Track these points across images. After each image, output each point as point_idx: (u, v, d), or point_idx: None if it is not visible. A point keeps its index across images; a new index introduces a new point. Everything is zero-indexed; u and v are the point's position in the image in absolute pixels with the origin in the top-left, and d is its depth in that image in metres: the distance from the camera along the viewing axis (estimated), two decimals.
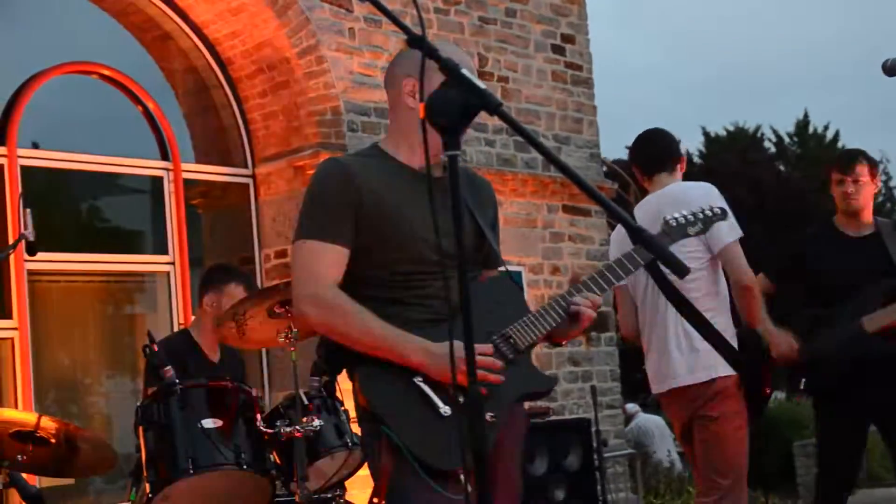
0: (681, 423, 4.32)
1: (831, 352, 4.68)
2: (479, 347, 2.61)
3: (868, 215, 4.88)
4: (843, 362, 4.66)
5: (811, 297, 4.87)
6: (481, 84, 1.94)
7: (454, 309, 2.61)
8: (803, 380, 4.64)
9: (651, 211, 4.25)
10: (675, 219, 3.35)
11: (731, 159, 25.44)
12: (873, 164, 4.92)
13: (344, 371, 2.91)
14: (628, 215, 1.96)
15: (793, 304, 4.26)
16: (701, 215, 3.44)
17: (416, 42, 1.98)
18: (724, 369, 4.13)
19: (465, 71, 1.93)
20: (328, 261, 2.79)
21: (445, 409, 2.69)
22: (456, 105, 1.93)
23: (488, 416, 2.70)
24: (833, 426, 4.83)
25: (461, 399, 2.58)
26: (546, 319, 2.86)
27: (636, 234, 1.90)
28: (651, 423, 12.50)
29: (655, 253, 1.91)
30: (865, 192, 4.84)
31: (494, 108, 1.93)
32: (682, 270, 1.88)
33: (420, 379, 2.71)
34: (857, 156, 4.95)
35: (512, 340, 2.83)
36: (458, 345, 2.51)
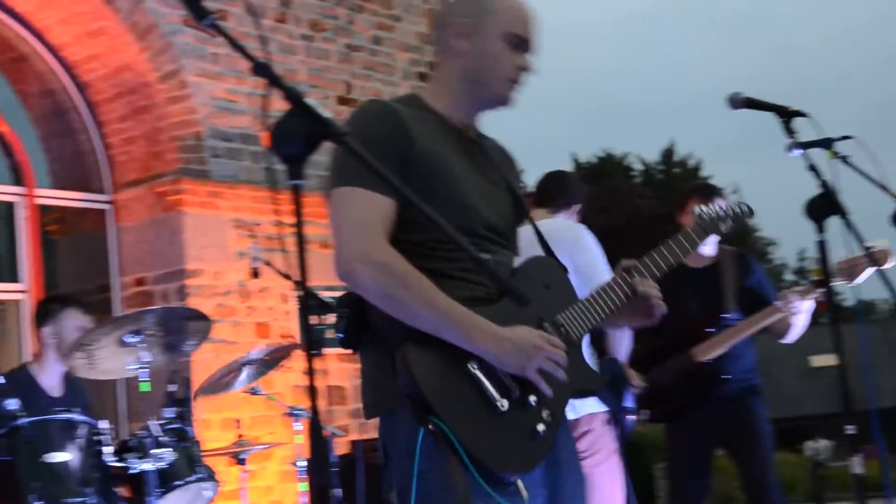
0: None
1: (667, 382, 4.82)
2: (548, 338, 2.43)
3: (712, 248, 5.03)
4: (678, 392, 4.83)
5: (655, 329, 4.98)
6: (326, 112, 1.93)
7: (506, 289, 2.39)
8: (645, 410, 4.74)
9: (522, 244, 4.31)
10: (708, 213, 3.18)
11: (598, 188, 26.00)
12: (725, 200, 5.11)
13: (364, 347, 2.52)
14: (466, 242, 1.96)
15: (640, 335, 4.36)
16: (731, 211, 3.24)
17: (261, 69, 1.95)
18: (590, 406, 4.16)
19: (308, 100, 1.91)
20: (381, 215, 2.42)
21: (503, 404, 2.39)
22: (300, 134, 1.91)
23: (545, 413, 2.46)
24: (680, 450, 4.98)
25: (526, 394, 2.41)
26: (601, 306, 2.63)
27: (476, 263, 1.90)
28: None
29: (497, 283, 1.91)
30: None
31: (339, 138, 1.91)
32: (522, 301, 1.89)
33: (475, 365, 2.39)
34: (718, 189, 5.13)
35: (563, 329, 2.56)
36: (527, 331, 2.42)
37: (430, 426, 2.30)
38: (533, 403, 2.43)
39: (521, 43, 2.63)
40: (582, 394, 2.70)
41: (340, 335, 2.50)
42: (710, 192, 5.07)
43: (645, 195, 29.14)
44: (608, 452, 4.19)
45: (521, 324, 2.43)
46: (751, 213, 3.39)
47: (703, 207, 3.21)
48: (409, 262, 2.39)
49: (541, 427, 2.44)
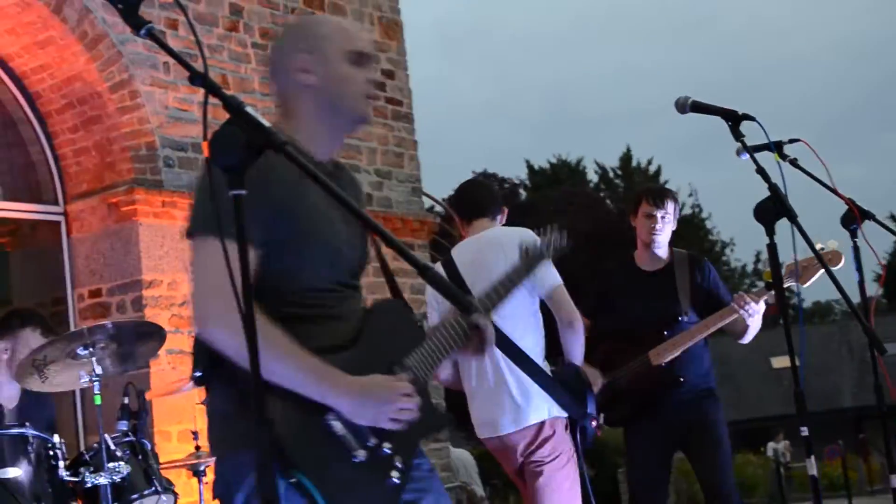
0: (512, 468, 4.33)
1: (623, 385, 4.84)
2: (401, 385, 2.44)
3: (665, 251, 5.06)
4: (634, 395, 4.84)
5: (611, 333, 5.00)
6: (266, 122, 1.91)
7: (357, 335, 2.44)
8: (601, 414, 4.75)
9: (469, 253, 4.31)
10: (531, 248, 3.25)
11: (554, 193, 26.07)
12: (678, 203, 5.13)
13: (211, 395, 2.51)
14: (415, 255, 1.95)
15: (594, 339, 4.38)
16: (553, 245, 3.36)
17: (198, 79, 1.93)
18: (553, 411, 4.17)
19: (248, 109, 1.89)
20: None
21: (360, 454, 2.40)
22: (240, 144, 1.89)
23: (397, 461, 2.47)
24: (639, 453, 4.99)
25: (381, 442, 2.42)
26: (445, 345, 2.63)
27: (422, 271, 1.89)
28: (455, 456, 12.54)
29: (441, 290, 1.90)
30: (668, 229, 5.01)
31: (279, 147, 1.90)
32: (469, 309, 1.88)
33: (332, 417, 2.39)
34: (668, 192, 5.14)
35: (412, 372, 2.56)
36: (379, 382, 2.42)
37: (292, 480, 2.31)
38: (387, 451, 2.46)
39: (362, 58, 2.62)
40: (429, 434, 2.70)
41: (197, 374, 2.48)
42: (659, 194, 5.08)
43: (600, 200, 29.31)
44: (568, 457, 4.21)
45: (372, 369, 2.46)
46: (568, 248, 3.51)
47: (527, 244, 3.29)
48: (266, 309, 2.32)
49: (395, 475, 2.47)
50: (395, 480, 2.46)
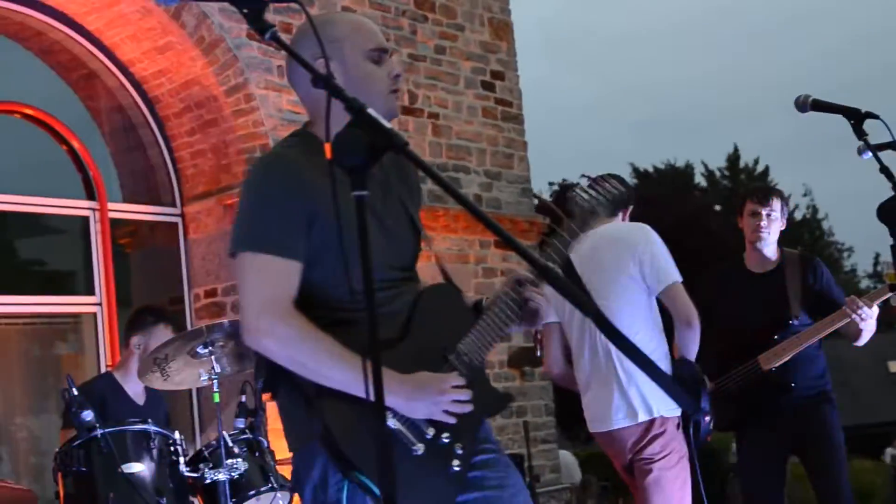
0: (621, 464, 4.29)
1: (733, 389, 4.76)
2: (451, 378, 2.47)
3: (773, 251, 4.95)
4: (744, 400, 4.75)
5: (719, 336, 4.89)
6: (387, 123, 1.93)
7: (404, 329, 2.48)
8: (709, 419, 4.67)
9: (586, 249, 4.28)
10: (581, 200, 2.90)
11: (661, 197, 25.67)
12: (785, 202, 5.01)
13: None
14: (533, 252, 1.95)
15: (702, 343, 4.30)
16: (609, 193, 2.90)
17: (322, 81, 1.96)
18: (664, 409, 4.11)
19: (370, 111, 1.92)
20: (284, 281, 2.43)
21: (419, 448, 2.44)
22: (363, 145, 1.91)
23: (457, 448, 2.50)
24: (751, 459, 4.89)
25: (439, 433, 2.45)
26: (498, 325, 2.61)
27: (543, 271, 1.89)
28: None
29: (561, 291, 1.90)
30: (775, 228, 4.90)
31: (401, 148, 1.91)
32: (588, 309, 1.87)
33: (389, 414, 2.43)
34: (773, 190, 5.04)
35: (466, 358, 2.56)
36: (429, 378, 2.46)
37: (354, 480, 2.36)
38: (445, 441, 2.48)
39: (381, 53, 2.61)
40: (488, 417, 2.70)
41: (260, 382, 2.55)
42: (764, 191, 4.99)
43: (708, 205, 28.74)
44: (679, 456, 4.15)
45: (425, 356, 2.49)
46: (627, 188, 3.24)
47: (578, 192, 2.99)
48: (316, 317, 2.42)
49: (455, 462, 2.50)
50: (456, 468, 2.49)
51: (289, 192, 2.46)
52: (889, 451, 24.94)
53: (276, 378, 2.51)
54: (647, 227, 4.26)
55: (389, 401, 2.39)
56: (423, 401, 2.43)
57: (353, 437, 2.37)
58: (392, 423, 2.43)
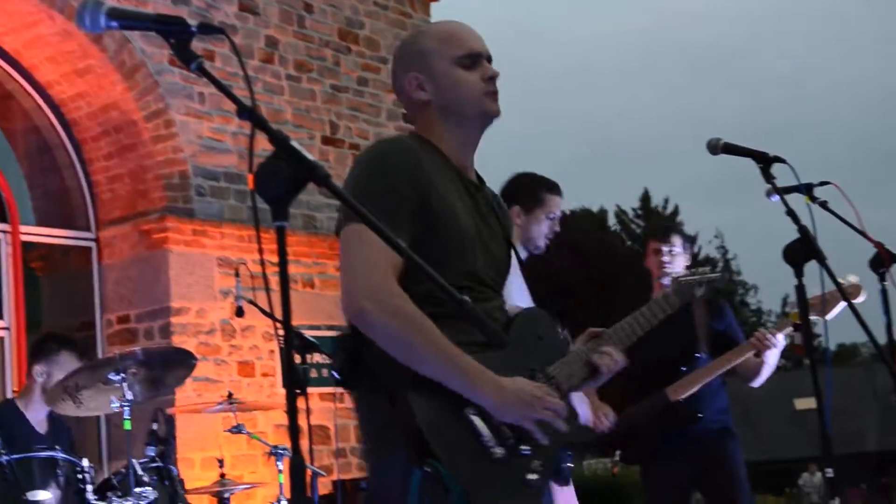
0: None
1: (640, 421, 4.83)
2: (547, 389, 2.46)
3: None
4: (652, 432, 4.83)
5: (626, 368, 4.96)
6: (310, 155, 1.96)
7: (502, 336, 2.46)
8: (618, 452, 4.73)
9: None
10: (684, 279, 3.10)
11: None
12: (686, 238, 5.14)
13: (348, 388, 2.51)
14: (444, 282, 1.99)
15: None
16: (706, 278, 3.12)
17: (246, 113, 1.98)
18: None
19: (293, 143, 1.94)
20: (392, 257, 2.35)
21: (498, 451, 2.39)
22: (285, 176, 1.93)
23: (536, 463, 2.46)
24: (656, 493, 4.96)
25: (519, 442, 2.42)
26: (578, 365, 2.64)
27: (458, 305, 1.92)
28: None
29: (474, 322, 1.93)
30: (679, 263, 5.01)
31: (322, 179, 1.94)
32: (502, 343, 1.91)
33: (473, 412, 2.38)
34: (672, 226, 5.18)
35: (554, 382, 2.54)
36: (526, 383, 2.44)
37: (427, 469, 2.30)
38: (526, 452, 2.45)
39: (473, 58, 2.63)
40: (573, 446, 2.64)
41: (337, 373, 2.51)
42: (664, 230, 5.12)
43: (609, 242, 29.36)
44: None
45: (514, 372, 2.46)
46: (723, 279, 3.38)
47: (681, 273, 3.21)
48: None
49: (532, 476, 2.45)
50: (532, 478, 2.45)
51: (408, 178, 2.46)
52: (806, 475, 25.33)
53: (356, 370, 2.46)
54: None
55: (481, 397, 2.37)
56: (516, 405, 2.38)
57: (434, 427, 2.33)
58: (475, 420, 2.38)
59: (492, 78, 2.64)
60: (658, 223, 5.91)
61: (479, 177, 2.75)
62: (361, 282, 2.38)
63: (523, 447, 2.44)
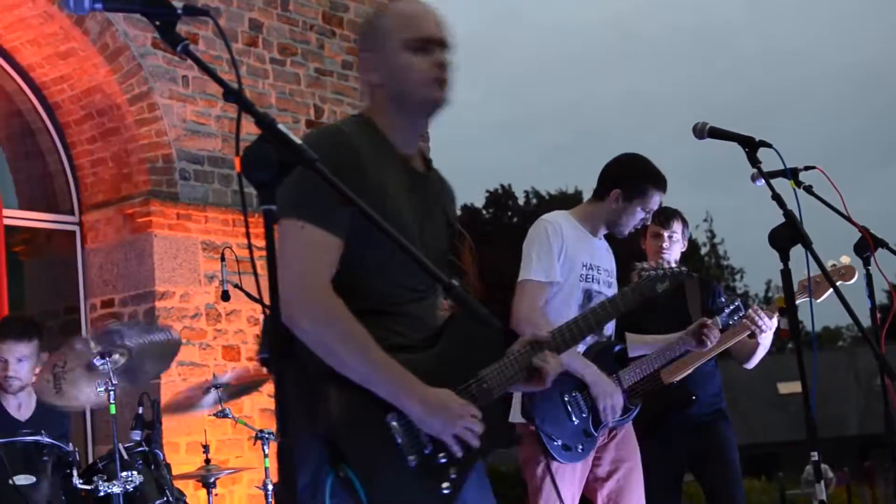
0: None
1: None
2: (471, 407, 2.45)
3: None
4: (645, 414, 4.84)
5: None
6: (297, 139, 1.95)
7: (494, 321, 2.37)
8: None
9: None
10: (648, 272, 3.15)
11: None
12: (686, 225, 5.12)
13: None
14: (430, 265, 1.98)
15: None
16: (671, 272, 3.19)
17: (232, 96, 1.97)
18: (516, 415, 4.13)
19: (280, 126, 1.93)
20: (328, 258, 2.38)
21: (413, 460, 2.40)
22: (271, 160, 1.92)
23: (451, 472, 2.46)
24: (648, 474, 4.98)
25: (436, 452, 2.42)
26: (514, 370, 2.62)
27: (447, 289, 1.92)
28: None
29: (463, 306, 1.93)
30: (676, 249, 5.02)
31: (310, 163, 1.93)
32: (492, 324, 1.92)
33: (394, 418, 2.39)
34: (675, 213, 5.15)
35: (486, 385, 2.55)
36: (450, 397, 2.42)
37: (340, 474, 2.31)
38: (442, 461, 2.46)
39: (425, 43, 2.56)
40: (491, 452, 2.65)
41: (264, 355, 2.51)
42: (666, 214, 5.08)
43: None
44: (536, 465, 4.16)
45: (445, 375, 2.47)
46: (689, 276, 3.39)
47: (645, 265, 3.21)
48: (347, 303, 2.37)
49: (445, 486, 2.46)
50: (446, 490, 2.45)
51: (345, 167, 2.37)
52: (808, 468, 25.45)
53: (281, 357, 2.45)
54: (538, 221, 4.23)
55: (407, 405, 2.37)
56: (439, 419, 2.39)
57: (352, 430, 2.33)
58: (394, 426, 2.38)
59: (441, 65, 2.56)
60: (662, 208, 5.88)
61: (427, 161, 2.72)
62: (294, 288, 2.33)
63: (440, 456, 2.46)
